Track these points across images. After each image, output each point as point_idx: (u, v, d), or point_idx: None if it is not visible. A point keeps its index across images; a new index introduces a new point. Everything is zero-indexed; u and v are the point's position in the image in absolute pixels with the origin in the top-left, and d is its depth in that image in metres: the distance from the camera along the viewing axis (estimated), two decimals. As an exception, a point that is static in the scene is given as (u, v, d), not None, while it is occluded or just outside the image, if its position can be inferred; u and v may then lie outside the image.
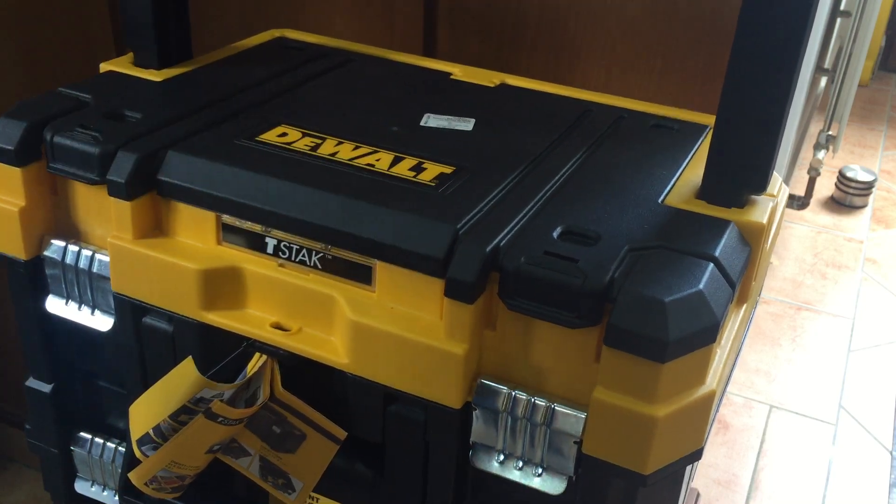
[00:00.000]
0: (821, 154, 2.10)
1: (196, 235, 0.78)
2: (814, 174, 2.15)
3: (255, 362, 0.76)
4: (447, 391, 0.69)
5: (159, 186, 0.77)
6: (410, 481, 0.76)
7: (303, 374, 0.76)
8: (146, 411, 0.75)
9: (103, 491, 0.94)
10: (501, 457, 0.71)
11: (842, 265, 2.10)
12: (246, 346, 0.76)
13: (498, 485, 0.72)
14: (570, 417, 0.67)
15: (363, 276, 0.73)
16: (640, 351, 0.61)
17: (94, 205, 0.82)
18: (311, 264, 0.75)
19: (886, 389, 1.72)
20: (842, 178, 2.34)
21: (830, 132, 2.10)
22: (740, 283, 0.71)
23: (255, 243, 0.76)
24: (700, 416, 0.66)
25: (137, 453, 0.76)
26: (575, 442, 0.68)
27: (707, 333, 0.63)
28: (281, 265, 0.76)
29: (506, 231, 0.68)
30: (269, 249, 0.76)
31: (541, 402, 0.68)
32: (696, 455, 0.68)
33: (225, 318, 0.77)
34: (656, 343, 0.61)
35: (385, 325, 0.70)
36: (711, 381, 0.66)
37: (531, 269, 0.65)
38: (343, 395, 0.75)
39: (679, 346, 0.61)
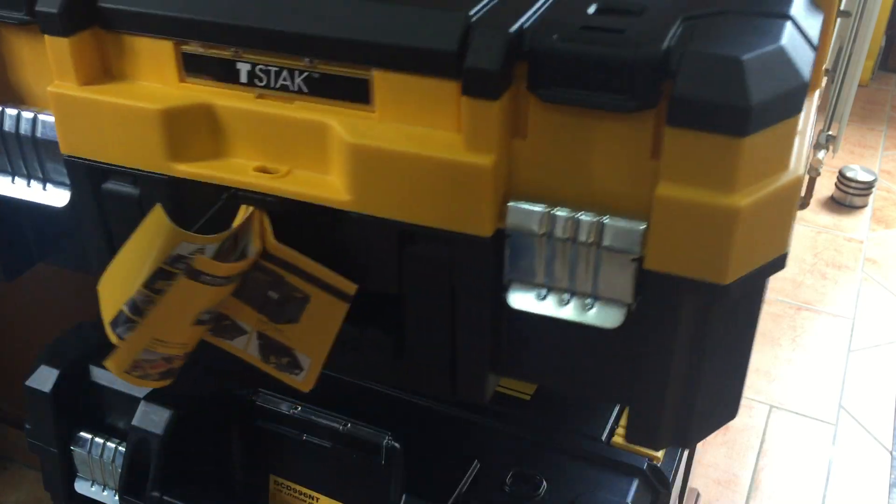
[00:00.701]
0: (821, 154, 2.09)
1: (153, 74, 0.65)
2: (814, 174, 2.13)
3: (241, 217, 0.64)
4: (474, 217, 0.57)
5: (101, 16, 0.64)
6: (437, 339, 0.64)
7: (298, 225, 0.63)
8: (116, 285, 0.63)
9: (103, 491, 0.91)
10: (543, 292, 0.60)
11: (842, 265, 2.09)
12: (227, 197, 0.64)
13: (541, 327, 0.61)
14: (625, 229, 0.55)
15: (359, 93, 0.60)
16: (714, 124, 0.49)
17: (31, 56, 0.69)
18: (296, 88, 0.62)
19: (886, 389, 1.71)
20: (842, 178, 2.34)
21: (830, 132, 2.09)
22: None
23: (226, 73, 0.63)
24: (785, 208, 0.54)
25: (112, 337, 0.64)
26: (633, 260, 0.56)
27: (793, 98, 0.51)
28: (259, 96, 0.63)
29: (529, 12, 0.56)
30: (243, 78, 0.63)
31: (587, 218, 0.56)
32: (779, 263, 0.56)
33: (198, 168, 0.64)
34: (736, 111, 0.49)
35: (391, 144, 0.58)
36: (796, 165, 0.54)
37: (568, 45, 0.52)
38: (349, 244, 0.63)
39: (762, 113, 0.49)
